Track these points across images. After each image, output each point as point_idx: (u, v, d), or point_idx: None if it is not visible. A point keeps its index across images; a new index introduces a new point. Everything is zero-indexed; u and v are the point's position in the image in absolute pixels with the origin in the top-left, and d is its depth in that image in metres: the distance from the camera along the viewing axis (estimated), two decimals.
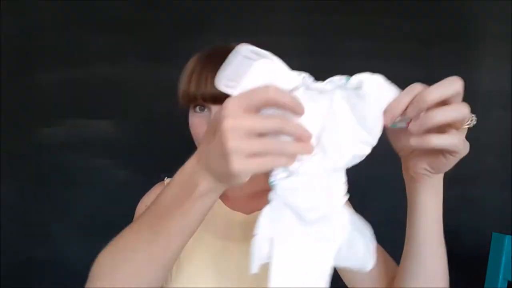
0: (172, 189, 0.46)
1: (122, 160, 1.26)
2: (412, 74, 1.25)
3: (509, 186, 1.23)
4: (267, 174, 0.81)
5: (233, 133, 0.37)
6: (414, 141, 0.42)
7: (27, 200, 1.26)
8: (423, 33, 1.27)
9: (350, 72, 0.48)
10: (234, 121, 0.37)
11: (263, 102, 0.38)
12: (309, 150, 0.41)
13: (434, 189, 0.50)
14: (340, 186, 0.44)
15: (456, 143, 0.42)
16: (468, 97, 1.45)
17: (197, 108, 0.68)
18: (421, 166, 0.48)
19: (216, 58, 0.67)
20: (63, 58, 1.28)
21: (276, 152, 0.39)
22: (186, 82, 0.67)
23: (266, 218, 0.43)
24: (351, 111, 0.42)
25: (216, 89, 0.65)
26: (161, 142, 1.25)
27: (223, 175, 0.40)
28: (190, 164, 0.45)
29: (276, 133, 0.39)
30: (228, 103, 0.38)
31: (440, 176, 0.50)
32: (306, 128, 0.40)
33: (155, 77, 1.26)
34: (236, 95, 0.39)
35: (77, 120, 1.26)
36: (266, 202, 0.76)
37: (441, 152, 0.44)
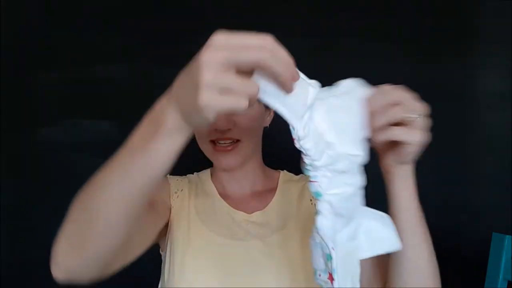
0: (140, 128, 0.46)
1: None
2: (412, 74, 1.26)
3: (509, 186, 1.23)
4: (265, 172, 0.82)
5: (210, 65, 0.35)
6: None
7: (27, 200, 1.26)
8: (423, 33, 1.27)
9: (351, 73, 0.49)
10: (214, 53, 0.35)
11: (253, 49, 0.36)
12: (290, 88, 0.40)
13: (404, 179, 0.54)
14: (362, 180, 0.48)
15: (396, 134, 0.48)
16: (468, 97, 1.45)
17: None
18: (389, 158, 0.53)
19: None
20: (63, 58, 1.28)
21: (248, 95, 0.37)
22: None
23: (327, 230, 0.46)
24: (345, 113, 0.46)
25: None
26: None
27: (191, 110, 0.38)
28: (160, 103, 0.44)
29: (259, 67, 0.37)
30: (215, 35, 0.36)
31: (408, 167, 0.54)
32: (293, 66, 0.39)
33: (155, 77, 1.26)
34: (227, 33, 0.37)
35: (77, 120, 1.26)
36: (266, 201, 0.77)
37: (401, 144, 0.50)
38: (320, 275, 0.47)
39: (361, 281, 0.66)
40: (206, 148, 0.75)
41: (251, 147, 0.75)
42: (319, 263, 0.47)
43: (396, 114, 0.48)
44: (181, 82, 0.40)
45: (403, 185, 0.54)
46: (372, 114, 0.48)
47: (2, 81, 1.27)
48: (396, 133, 0.48)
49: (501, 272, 0.96)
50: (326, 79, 0.52)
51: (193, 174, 0.87)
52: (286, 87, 0.40)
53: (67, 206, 1.42)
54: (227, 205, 0.77)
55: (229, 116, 0.70)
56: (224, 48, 0.36)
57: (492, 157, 1.25)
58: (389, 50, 1.26)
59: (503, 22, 1.26)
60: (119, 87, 1.26)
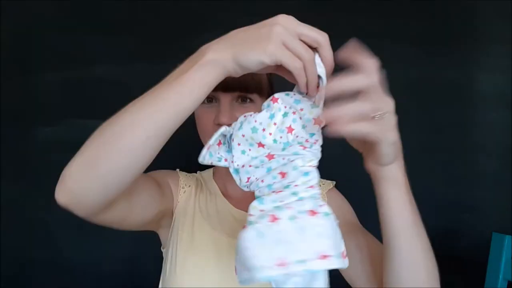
0: (179, 66, 0.50)
1: None
2: (412, 74, 1.26)
3: (509, 187, 1.23)
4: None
5: (284, 25, 0.45)
6: (328, 132, 0.44)
7: (27, 200, 1.26)
8: (423, 33, 1.27)
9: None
10: (287, 19, 0.46)
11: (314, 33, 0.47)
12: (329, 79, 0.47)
13: (392, 180, 0.51)
14: None
15: (362, 130, 0.43)
16: (468, 97, 1.45)
17: (205, 100, 0.71)
18: (370, 161, 0.51)
19: None
20: (63, 58, 1.28)
21: (304, 59, 0.46)
22: None
23: None
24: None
25: (225, 80, 0.67)
26: None
27: (250, 51, 0.45)
28: (205, 46, 0.49)
29: (317, 43, 0.47)
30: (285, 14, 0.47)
31: (393, 168, 0.50)
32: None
33: (155, 77, 1.25)
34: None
35: (77, 120, 1.26)
36: None
37: (375, 145, 0.46)
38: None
39: (360, 278, 0.66)
40: None
41: None
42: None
43: (363, 108, 0.43)
44: (246, 30, 0.47)
45: (391, 188, 0.51)
46: (335, 99, 0.44)
47: (2, 81, 1.27)
48: (363, 129, 0.43)
49: (501, 272, 0.96)
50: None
51: (196, 173, 0.87)
52: (329, 74, 0.47)
53: None
54: (229, 204, 0.78)
55: (232, 112, 0.70)
56: (294, 20, 0.47)
57: (492, 157, 1.25)
58: (389, 50, 1.26)
59: (503, 22, 1.26)
60: (119, 87, 1.26)
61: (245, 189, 0.53)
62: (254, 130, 0.50)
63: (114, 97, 1.28)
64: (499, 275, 0.97)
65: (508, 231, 0.99)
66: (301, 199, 0.46)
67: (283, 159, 0.49)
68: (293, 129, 0.49)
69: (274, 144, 0.49)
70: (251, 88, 0.71)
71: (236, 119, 0.71)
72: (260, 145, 0.50)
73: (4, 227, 1.25)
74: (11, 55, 1.27)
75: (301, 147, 0.49)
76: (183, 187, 0.80)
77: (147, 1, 1.28)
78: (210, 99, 0.72)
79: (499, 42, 1.26)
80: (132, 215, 0.63)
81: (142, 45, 1.28)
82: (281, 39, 0.44)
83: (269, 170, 0.50)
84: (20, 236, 1.26)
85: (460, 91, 1.27)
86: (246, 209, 0.75)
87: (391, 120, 0.45)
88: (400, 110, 0.46)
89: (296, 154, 0.49)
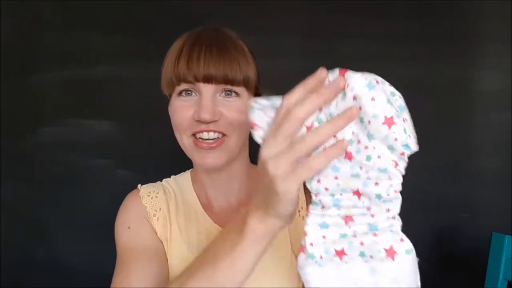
0: (219, 237, 0.49)
1: (122, 160, 1.26)
2: (412, 74, 1.26)
3: (509, 186, 1.22)
4: (253, 175, 0.73)
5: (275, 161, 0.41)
6: None
7: (27, 200, 1.26)
8: (423, 33, 1.27)
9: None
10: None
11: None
12: None
13: None
14: None
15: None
16: (468, 97, 1.45)
17: (183, 93, 0.64)
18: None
19: (203, 40, 0.65)
20: (63, 58, 1.28)
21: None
22: (172, 64, 0.65)
23: None
24: None
25: (208, 70, 0.61)
26: (160, 142, 1.25)
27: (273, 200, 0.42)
28: (237, 218, 0.47)
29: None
30: None
31: None
32: None
33: (155, 77, 1.25)
34: None
35: (77, 120, 1.26)
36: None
37: None
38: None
39: None
40: (186, 143, 0.66)
41: (238, 144, 0.65)
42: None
43: None
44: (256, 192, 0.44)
45: None
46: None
47: (2, 81, 1.27)
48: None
49: (501, 272, 0.96)
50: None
51: (169, 177, 0.79)
52: None
53: (67, 206, 1.41)
54: (210, 221, 0.70)
55: (215, 107, 0.62)
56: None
57: (492, 157, 1.25)
58: (389, 50, 1.26)
59: (503, 22, 1.26)
60: (119, 87, 1.26)
61: None
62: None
63: (114, 97, 1.29)
64: (499, 275, 0.96)
65: (508, 231, 0.99)
66: (377, 231, 0.37)
67: (365, 172, 0.37)
68: (394, 124, 0.36)
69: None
70: (238, 80, 0.62)
71: (219, 115, 0.61)
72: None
73: (4, 227, 1.25)
74: (11, 55, 1.27)
75: (394, 162, 0.37)
76: (154, 214, 0.71)
77: (147, 1, 1.28)
78: (189, 91, 0.63)
79: (499, 41, 1.26)
80: None
81: (142, 45, 1.28)
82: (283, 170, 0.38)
83: (336, 171, 0.38)
84: (20, 236, 1.26)
85: (460, 91, 1.27)
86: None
87: None
88: None
89: (383, 171, 0.36)
